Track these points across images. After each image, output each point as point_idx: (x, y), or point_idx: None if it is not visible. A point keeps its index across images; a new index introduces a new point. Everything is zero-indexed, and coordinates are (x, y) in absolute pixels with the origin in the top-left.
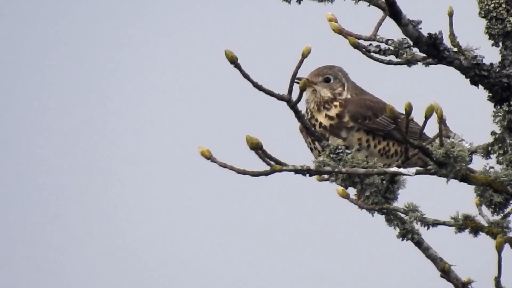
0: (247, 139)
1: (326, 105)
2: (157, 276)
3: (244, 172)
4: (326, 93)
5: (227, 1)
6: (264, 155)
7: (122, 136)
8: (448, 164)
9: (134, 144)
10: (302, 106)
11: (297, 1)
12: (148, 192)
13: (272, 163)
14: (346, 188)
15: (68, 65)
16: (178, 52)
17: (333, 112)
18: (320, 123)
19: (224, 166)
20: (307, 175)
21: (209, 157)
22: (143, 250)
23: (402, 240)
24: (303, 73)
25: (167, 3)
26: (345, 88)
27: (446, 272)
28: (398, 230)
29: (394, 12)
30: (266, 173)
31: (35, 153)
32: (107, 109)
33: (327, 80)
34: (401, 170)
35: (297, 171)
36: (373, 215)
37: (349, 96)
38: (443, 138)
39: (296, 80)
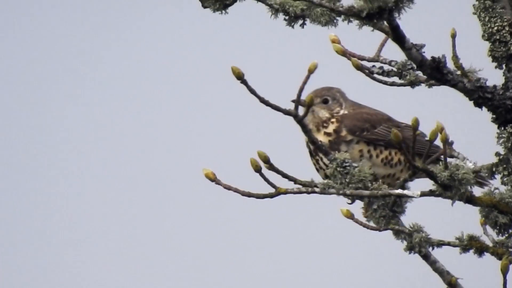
0: (251, 161)
1: (324, 124)
2: None
3: (249, 195)
4: (324, 114)
5: (235, 22)
6: (272, 170)
7: (128, 157)
8: (453, 186)
9: (138, 166)
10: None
11: (300, 26)
12: (151, 214)
13: (276, 185)
14: (353, 201)
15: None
16: (184, 69)
17: (331, 128)
18: (320, 141)
19: (228, 188)
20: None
21: (213, 179)
22: (147, 275)
23: (410, 253)
24: (307, 91)
25: (170, 19)
26: (343, 107)
27: (453, 286)
28: (405, 243)
29: (397, 36)
30: (271, 196)
31: (24, 157)
32: (115, 129)
33: (325, 102)
34: (406, 192)
35: (302, 192)
36: (380, 229)
37: (346, 112)
38: (447, 159)
39: (296, 102)
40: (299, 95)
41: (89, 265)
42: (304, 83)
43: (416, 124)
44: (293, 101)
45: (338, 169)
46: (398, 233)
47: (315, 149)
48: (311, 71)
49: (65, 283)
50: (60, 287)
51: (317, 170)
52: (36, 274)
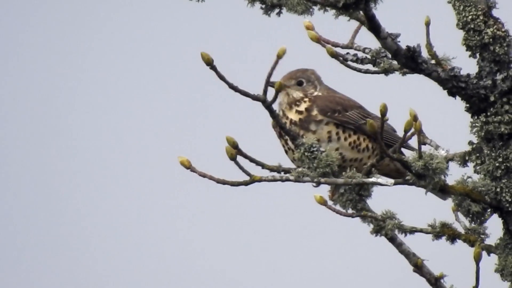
0: (226, 149)
1: (297, 103)
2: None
3: (223, 182)
4: (298, 94)
5: (209, 9)
6: (241, 155)
7: (102, 145)
8: (427, 176)
9: (113, 154)
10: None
11: (277, 14)
12: (127, 203)
13: (251, 172)
14: (319, 184)
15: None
16: (158, 56)
17: (302, 107)
18: (291, 120)
19: (203, 175)
20: (282, 173)
21: (188, 166)
22: (122, 258)
23: (376, 236)
24: (278, 76)
25: (147, 7)
26: (317, 89)
27: (419, 267)
28: (372, 226)
29: (373, 26)
30: (245, 183)
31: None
32: (89, 119)
33: (299, 83)
34: (380, 180)
35: (276, 180)
36: (347, 211)
37: (319, 94)
38: (421, 148)
39: (270, 84)
40: (267, 80)
41: (85, 266)
42: (273, 68)
43: (384, 110)
44: (267, 83)
45: (306, 153)
46: (364, 217)
47: (283, 132)
48: (279, 56)
49: (65, 283)
50: (61, 286)
51: (286, 152)
52: (36, 274)
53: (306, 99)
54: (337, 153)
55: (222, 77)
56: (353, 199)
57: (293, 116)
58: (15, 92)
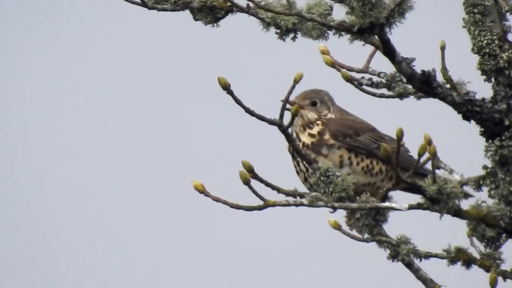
0: (240, 173)
1: (310, 125)
2: None
3: (237, 207)
4: (312, 115)
5: (224, 33)
6: (256, 179)
7: (120, 171)
8: (441, 200)
9: (127, 175)
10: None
11: (292, 39)
12: (141, 225)
13: (265, 198)
14: (335, 210)
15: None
16: (175, 80)
17: (315, 130)
18: (303, 143)
19: (217, 200)
20: (298, 198)
21: (202, 191)
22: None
23: (393, 261)
24: (291, 97)
25: (163, 32)
26: (331, 111)
27: None
28: (388, 251)
29: (388, 50)
30: (259, 208)
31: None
32: (98, 146)
33: (313, 104)
34: (394, 205)
35: (290, 205)
36: (363, 237)
37: (332, 116)
38: (435, 172)
39: (287, 106)
40: (284, 104)
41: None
42: (290, 93)
43: (400, 134)
44: (282, 101)
45: (322, 178)
46: (381, 242)
47: (299, 156)
48: (296, 81)
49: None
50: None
51: (297, 173)
52: (36, 274)
53: (319, 122)
54: (352, 178)
55: (238, 102)
56: (369, 224)
57: (305, 139)
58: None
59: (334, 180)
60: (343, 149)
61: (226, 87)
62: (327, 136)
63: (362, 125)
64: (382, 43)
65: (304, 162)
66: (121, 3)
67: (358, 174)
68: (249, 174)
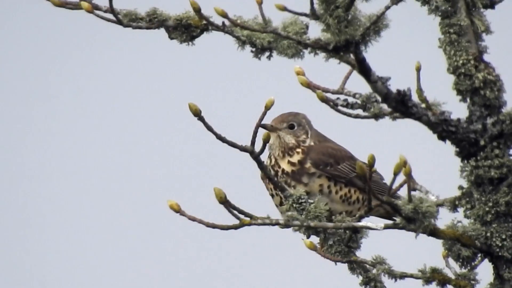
0: (216, 192)
1: (290, 152)
2: None
3: (213, 226)
4: (290, 139)
5: (198, 54)
6: (230, 207)
7: (95, 189)
8: (417, 219)
9: (103, 195)
10: (265, 152)
11: (267, 57)
12: (114, 243)
13: (242, 216)
14: (309, 237)
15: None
16: (148, 100)
17: (295, 158)
18: (283, 170)
19: (193, 219)
20: (272, 225)
21: (178, 210)
22: None
23: (365, 287)
24: (269, 119)
25: (137, 50)
26: (309, 136)
27: None
28: (361, 278)
29: (363, 69)
30: (235, 227)
31: None
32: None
33: (291, 127)
34: (370, 224)
35: (266, 224)
36: (336, 264)
37: (312, 143)
38: (411, 192)
39: (262, 126)
40: (255, 131)
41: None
42: (261, 119)
43: (372, 161)
44: (262, 125)
45: (294, 205)
46: (353, 268)
47: (271, 183)
48: (267, 108)
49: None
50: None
51: (272, 196)
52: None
53: (299, 150)
54: (326, 204)
55: (209, 128)
56: (342, 251)
57: (285, 166)
58: None
59: (307, 207)
60: (323, 178)
61: (197, 114)
62: (308, 165)
63: (341, 153)
64: (357, 62)
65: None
66: (94, 20)
67: (336, 202)
68: (223, 194)
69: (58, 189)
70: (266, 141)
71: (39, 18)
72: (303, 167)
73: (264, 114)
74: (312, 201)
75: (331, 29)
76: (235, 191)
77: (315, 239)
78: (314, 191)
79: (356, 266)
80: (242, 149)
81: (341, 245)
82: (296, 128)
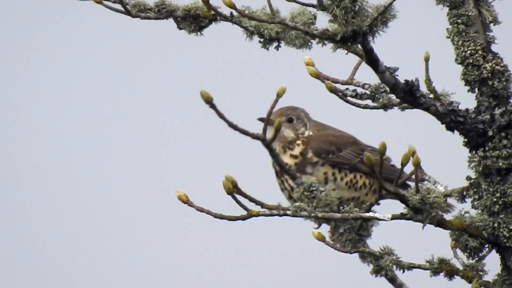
0: (224, 183)
1: (290, 146)
2: None
3: (221, 217)
4: (289, 133)
5: (206, 44)
6: (240, 194)
7: (101, 180)
8: (424, 210)
9: (112, 187)
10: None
11: (275, 48)
12: (124, 234)
13: (251, 205)
14: (320, 225)
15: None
16: (158, 90)
17: (297, 150)
18: (286, 164)
19: (201, 210)
20: (282, 214)
21: (186, 201)
22: None
23: (376, 276)
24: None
25: (145, 40)
26: (307, 128)
27: None
28: (371, 266)
29: (371, 60)
30: (243, 218)
31: None
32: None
33: (290, 121)
34: (377, 215)
35: (274, 215)
36: (351, 253)
37: (311, 133)
38: (418, 182)
39: (260, 119)
40: (267, 119)
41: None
42: (273, 107)
43: (383, 148)
44: (261, 119)
45: (305, 193)
46: (364, 257)
47: (282, 171)
48: (279, 95)
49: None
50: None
51: (282, 190)
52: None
53: (299, 142)
54: (336, 193)
55: (221, 116)
56: (353, 239)
57: (288, 160)
58: None
59: (317, 195)
60: (326, 166)
61: (209, 101)
62: (310, 155)
63: (343, 139)
64: (365, 53)
65: (289, 180)
66: (103, 10)
67: (342, 189)
68: (233, 189)
69: (67, 184)
70: (278, 128)
71: (46, 9)
72: (306, 158)
73: (276, 101)
74: (322, 189)
75: (338, 19)
76: (245, 182)
77: (326, 227)
78: (319, 180)
79: (367, 254)
80: (254, 136)
81: (351, 233)
82: (295, 121)
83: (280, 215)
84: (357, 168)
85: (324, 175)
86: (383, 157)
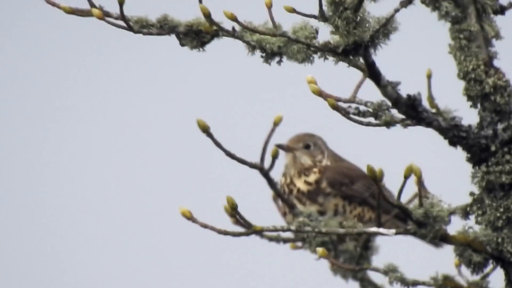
0: (227, 198)
1: (306, 172)
2: None
3: (225, 233)
4: (306, 160)
5: (206, 67)
6: (240, 219)
7: (106, 198)
8: (428, 224)
9: (116, 204)
10: (280, 171)
11: (277, 63)
12: (129, 253)
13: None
14: (320, 258)
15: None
16: (158, 108)
17: (312, 178)
18: (298, 189)
19: (205, 226)
20: (281, 243)
21: (190, 217)
22: None
23: None
24: (282, 139)
25: (147, 57)
26: (325, 156)
27: None
28: None
29: (373, 74)
30: (247, 233)
31: None
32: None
33: (307, 147)
34: (381, 230)
35: (277, 230)
36: (347, 282)
37: (328, 163)
38: (422, 196)
39: (278, 146)
40: (264, 148)
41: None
42: (269, 136)
43: (380, 175)
44: (278, 145)
45: (305, 220)
46: (365, 286)
47: (281, 200)
48: (276, 124)
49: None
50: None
51: (284, 214)
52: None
53: (315, 170)
54: (336, 222)
55: (218, 144)
56: (353, 269)
57: (301, 185)
58: None
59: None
60: (338, 197)
61: (205, 130)
62: (324, 185)
63: (356, 172)
64: (367, 66)
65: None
66: (104, 26)
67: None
68: (232, 212)
69: (70, 191)
70: (275, 156)
71: (50, 26)
72: (319, 187)
73: (273, 130)
74: (321, 219)
75: (340, 30)
76: (246, 207)
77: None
78: (328, 210)
79: (368, 284)
80: (252, 165)
81: (352, 262)
82: (312, 148)
83: (284, 231)
84: (366, 202)
85: (334, 206)
86: (380, 183)
